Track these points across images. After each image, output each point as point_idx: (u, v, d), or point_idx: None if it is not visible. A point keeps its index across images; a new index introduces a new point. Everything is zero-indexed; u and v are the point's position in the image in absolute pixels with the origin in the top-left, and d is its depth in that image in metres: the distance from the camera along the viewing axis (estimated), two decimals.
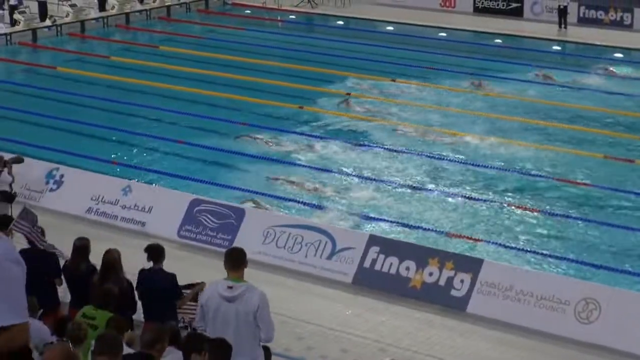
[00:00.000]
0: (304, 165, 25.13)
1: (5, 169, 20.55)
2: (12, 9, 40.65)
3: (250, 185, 23.62)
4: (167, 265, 13.80)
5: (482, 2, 44.92)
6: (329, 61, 36.33)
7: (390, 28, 42.40)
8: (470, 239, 20.61)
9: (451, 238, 20.67)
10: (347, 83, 33.37)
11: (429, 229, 21.14)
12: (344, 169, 24.95)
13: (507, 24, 42.33)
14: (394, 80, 33.60)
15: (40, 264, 13.99)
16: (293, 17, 45.17)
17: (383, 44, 39.29)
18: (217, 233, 19.94)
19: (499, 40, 40.28)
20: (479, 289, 17.37)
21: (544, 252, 20.05)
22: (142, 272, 13.87)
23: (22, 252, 13.93)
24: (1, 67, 36.70)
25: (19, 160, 21.36)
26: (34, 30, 40.12)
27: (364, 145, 26.83)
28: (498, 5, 44.63)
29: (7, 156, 21.38)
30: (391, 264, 18.28)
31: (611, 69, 35.76)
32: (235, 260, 10.71)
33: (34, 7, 41.43)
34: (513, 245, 20.32)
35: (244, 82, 33.12)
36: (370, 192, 23.50)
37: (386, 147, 26.65)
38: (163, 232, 20.07)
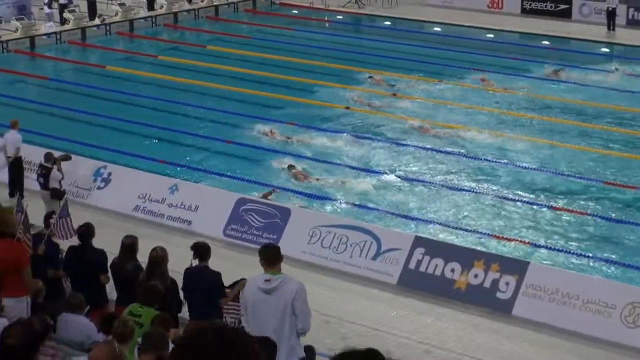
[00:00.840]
0: (351, 167, 25.10)
1: (55, 167, 20.78)
2: (62, 7, 41.03)
3: (298, 186, 23.68)
4: (213, 264, 13.85)
5: (530, 4, 44.64)
6: (376, 62, 36.31)
7: (437, 29, 42.27)
8: (516, 241, 20.51)
9: (497, 240, 20.59)
10: (392, 83, 33.34)
11: (474, 231, 21.07)
12: (389, 170, 24.91)
13: (554, 25, 42.03)
14: (440, 81, 33.51)
15: (87, 261, 14.12)
16: (340, 17, 45.16)
17: (430, 45, 39.17)
18: (262, 232, 19.99)
19: (546, 42, 40.01)
20: (525, 292, 17.29)
21: (591, 255, 19.90)
22: (188, 270, 13.92)
23: (71, 250, 14.17)
24: (51, 65, 37.02)
25: (67, 158, 21.60)
26: (83, 29, 40.44)
27: (403, 144, 26.76)
28: (546, 6, 44.32)
29: (56, 154, 21.63)
30: (436, 265, 18.25)
31: None
32: (271, 257, 10.82)
33: (84, 6, 41.77)
34: (559, 248, 20.19)
35: (291, 82, 33.18)
36: (416, 195, 23.47)
37: (432, 148, 26.57)
38: (209, 231, 20.15)
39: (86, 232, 14.47)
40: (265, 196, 21.83)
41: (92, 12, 41.46)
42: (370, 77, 33.65)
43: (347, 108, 30.26)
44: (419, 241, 18.80)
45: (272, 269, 10.78)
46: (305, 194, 23.07)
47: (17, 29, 38.80)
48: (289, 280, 10.73)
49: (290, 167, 24.42)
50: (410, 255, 18.54)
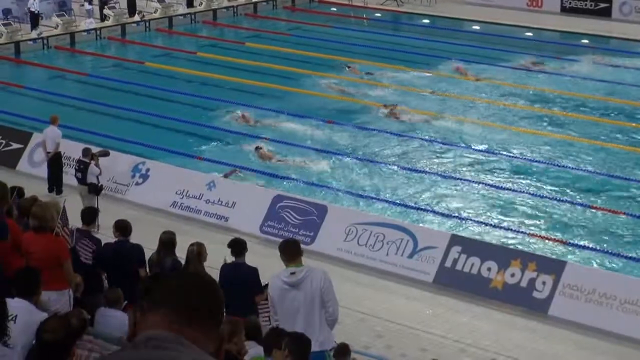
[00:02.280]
0: (403, 167, 25.13)
1: (93, 162, 20.93)
2: (102, 4, 41.28)
3: (332, 182, 23.74)
4: (249, 261, 13.89)
5: (570, 2, 44.38)
6: (414, 59, 36.30)
7: (476, 27, 42.14)
8: (553, 240, 20.45)
9: (533, 239, 20.53)
10: (432, 81, 33.33)
11: (511, 229, 21.03)
12: (436, 175, 24.92)
13: (595, 24, 41.76)
14: (477, 80, 33.41)
15: (125, 256, 14.19)
16: (379, 15, 45.10)
17: (469, 43, 39.08)
18: (299, 229, 20.05)
19: (586, 41, 39.77)
20: (561, 291, 17.24)
21: (628, 255, 19.79)
22: (225, 267, 13.96)
23: (107, 245, 14.26)
24: (91, 61, 37.27)
25: (105, 154, 21.75)
26: (122, 26, 40.69)
27: (453, 145, 26.74)
28: (586, 5, 44.05)
29: (95, 149, 21.79)
30: (473, 264, 18.24)
31: None
32: (292, 251, 10.89)
33: (123, 3, 42.02)
34: (596, 247, 20.09)
35: (329, 80, 33.20)
36: (463, 197, 23.47)
37: (498, 152, 26.53)
38: (246, 228, 20.25)
39: (124, 227, 14.54)
40: (226, 175, 22.64)
41: (132, 8, 41.70)
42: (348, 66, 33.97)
43: (385, 106, 30.10)
44: (455, 239, 18.80)
45: (294, 262, 10.86)
46: (267, 173, 23.99)
47: (57, 25, 39.09)
48: (314, 270, 10.81)
49: (257, 148, 25.67)
50: (447, 253, 18.54)
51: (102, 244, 14.37)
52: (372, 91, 32.06)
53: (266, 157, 25.28)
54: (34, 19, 38.75)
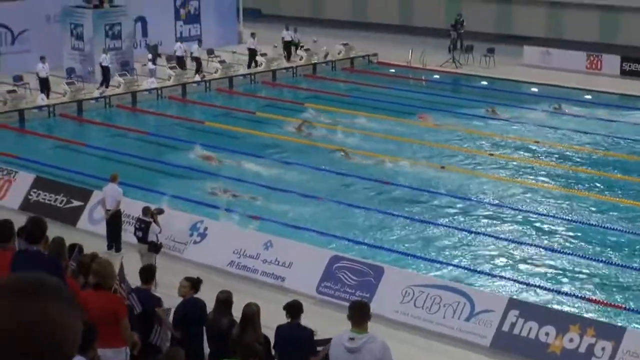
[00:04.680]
0: (457, 228, 25.06)
1: (153, 220, 21.13)
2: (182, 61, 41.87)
3: (396, 244, 23.71)
4: (305, 321, 13.87)
5: (630, 65, 44.18)
6: (471, 121, 36.37)
7: (534, 89, 42.08)
8: (613, 305, 20.21)
9: (592, 304, 20.32)
10: (489, 143, 33.32)
11: (569, 293, 20.83)
12: (492, 237, 24.83)
13: None
14: (537, 142, 33.34)
15: (188, 314, 14.26)
16: (437, 76, 45.22)
17: (526, 105, 39.06)
18: (355, 290, 20.01)
19: None
20: (621, 358, 16.99)
21: None
22: (280, 327, 13.97)
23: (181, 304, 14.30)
24: (152, 120, 37.70)
25: (161, 211, 21.93)
26: (183, 85, 41.19)
27: (510, 207, 26.65)
28: None
29: (152, 207, 22.00)
30: (530, 328, 18.07)
31: None
32: (358, 313, 10.78)
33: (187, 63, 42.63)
34: None
35: (386, 141, 33.31)
36: (521, 260, 23.32)
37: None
38: (302, 288, 20.27)
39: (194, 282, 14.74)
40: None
41: (195, 68, 42.33)
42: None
43: (442, 167, 30.14)
44: (513, 303, 18.66)
45: (359, 326, 10.76)
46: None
47: (119, 85, 39.68)
48: (375, 340, 10.67)
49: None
50: (504, 317, 18.39)
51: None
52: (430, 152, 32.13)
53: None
54: (106, 74, 39.53)
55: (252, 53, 44.81)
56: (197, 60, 42.72)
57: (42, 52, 39.61)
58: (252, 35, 45.44)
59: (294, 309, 13.82)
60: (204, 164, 30.36)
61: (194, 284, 14.73)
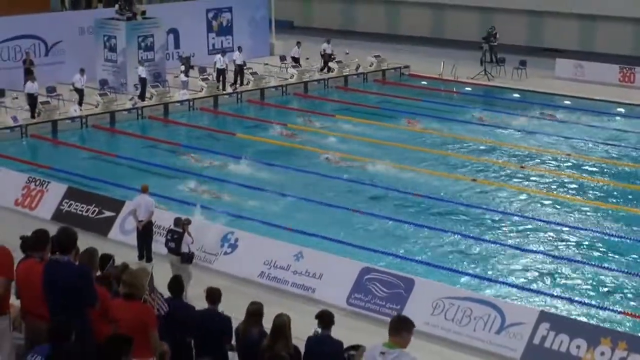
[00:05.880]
0: (486, 240, 25.00)
1: (186, 231, 21.20)
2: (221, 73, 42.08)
3: (419, 254, 23.67)
4: (336, 333, 13.83)
5: None
6: (501, 134, 36.26)
7: (567, 102, 41.91)
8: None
9: (624, 316, 20.20)
10: (519, 155, 33.22)
11: (600, 306, 20.72)
12: (522, 249, 24.75)
13: None
14: (568, 155, 33.22)
15: (212, 326, 14.25)
16: (469, 89, 45.09)
17: (558, 118, 38.91)
18: (386, 302, 19.99)
19: None
20: None
21: None
22: (311, 339, 13.94)
23: (200, 314, 14.33)
24: (183, 131, 37.80)
25: (189, 222, 21.98)
26: (215, 97, 41.30)
27: (541, 220, 26.56)
28: None
29: (182, 217, 22.06)
30: (561, 341, 17.99)
31: None
32: (393, 327, 10.71)
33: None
34: None
35: (416, 153, 33.27)
36: (551, 272, 23.23)
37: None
38: (332, 299, 20.24)
39: (213, 296, 14.64)
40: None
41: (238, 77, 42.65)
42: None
43: (474, 180, 30.09)
44: (544, 316, 18.56)
45: (393, 339, 10.70)
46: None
47: (151, 96, 39.87)
48: (405, 356, 10.60)
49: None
50: (535, 330, 18.30)
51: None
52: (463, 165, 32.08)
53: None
54: (143, 85, 39.77)
55: (297, 61, 45.98)
56: (240, 67, 42.93)
57: (75, 63, 40.02)
58: (298, 44, 46.51)
59: (326, 318, 13.80)
60: (230, 174, 30.52)
61: (208, 295, 14.66)
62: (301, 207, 27.32)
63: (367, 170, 31.02)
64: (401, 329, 10.59)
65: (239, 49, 43.87)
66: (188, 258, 21.14)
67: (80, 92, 38.24)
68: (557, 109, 40.77)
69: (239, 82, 42.84)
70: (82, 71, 38.39)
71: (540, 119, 38.81)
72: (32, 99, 36.84)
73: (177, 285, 14.85)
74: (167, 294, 14.42)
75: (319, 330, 13.77)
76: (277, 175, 30.53)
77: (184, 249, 21.11)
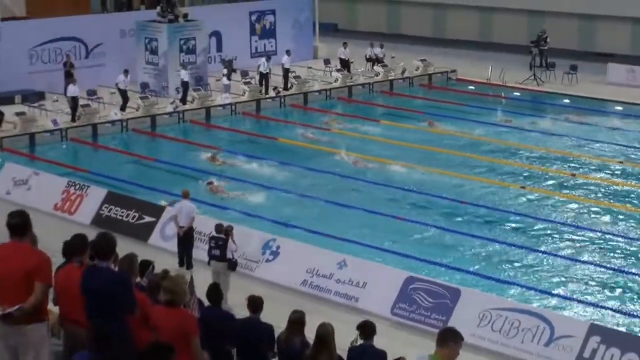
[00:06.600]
0: (534, 250, 24.43)
1: (230, 238, 20.92)
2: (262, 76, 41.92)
3: (467, 264, 23.18)
4: (379, 343, 13.51)
5: None
6: (551, 140, 35.66)
7: (619, 108, 41.14)
8: None
9: None
10: (570, 162, 32.61)
11: None
12: (571, 260, 24.18)
13: None
14: (621, 162, 32.56)
15: (254, 334, 13.94)
16: (517, 94, 44.38)
17: (610, 125, 38.21)
18: (431, 313, 19.57)
19: None
20: None
21: None
22: (353, 349, 13.61)
23: (241, 322, 14.02)
24: (225, 136, 37.46)
25: (231, 228, 21.67)
26: (257, 101, 40.96)
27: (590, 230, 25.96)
28: None
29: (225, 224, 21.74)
30: (612, 355, 17.62)
31: None
32: (442, 338, 10.30)
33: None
34: None
35: (465, 159, 32.77)
36: (602, 284, 22.68)
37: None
38: (376, 309, 19.90)
39: (254, 304, 14.33)
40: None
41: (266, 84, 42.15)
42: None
43: (522, 187, 29.57)
44: (594, 329, 18.09)
45: (439, 352, 10.29)
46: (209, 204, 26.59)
47: (193, 100, 39.58)
48: None
49: (209, 183, 29.13)
50: (585, 343, 17.86)
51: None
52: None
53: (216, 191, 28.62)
54: (185, 88, 39.58)
55: (344, 63, 45.71)
56: (286, 71, 42.72)
57: (116, 66, 39.87)
58: (344, 45, 46.20)
59: (367, 329, 13.58)
60: (270, 180, 30.17)
61: (249, 303, 14.32)
62: (344, 215, 26.89)
63: (413, 177, 30.51)
64: (449, 340, 10.19)
65: (288, 52, 43.48)
66: (232, 265, 20.88)
67: (123, 93, 38.05)
68: (609, 115, 40.03)
69: (282, 86, 42.52)
70: (126, 72, 38.21)
71: (592, 125, 38.08)
72: (74, 102, 36.70)
73: (216, 293, 14.62)
74: (206, 302, 14.13)
75: (362, 340, 13.47)
76: (317, 181, 30.11)
77: (228, 255, 20.83)
